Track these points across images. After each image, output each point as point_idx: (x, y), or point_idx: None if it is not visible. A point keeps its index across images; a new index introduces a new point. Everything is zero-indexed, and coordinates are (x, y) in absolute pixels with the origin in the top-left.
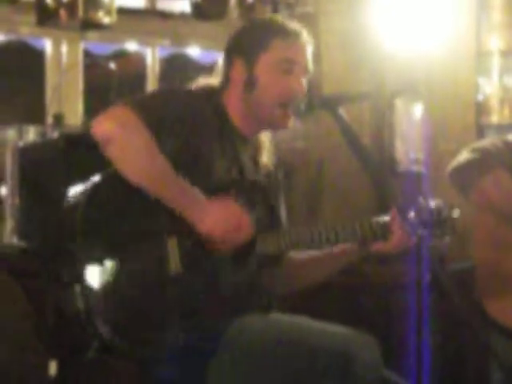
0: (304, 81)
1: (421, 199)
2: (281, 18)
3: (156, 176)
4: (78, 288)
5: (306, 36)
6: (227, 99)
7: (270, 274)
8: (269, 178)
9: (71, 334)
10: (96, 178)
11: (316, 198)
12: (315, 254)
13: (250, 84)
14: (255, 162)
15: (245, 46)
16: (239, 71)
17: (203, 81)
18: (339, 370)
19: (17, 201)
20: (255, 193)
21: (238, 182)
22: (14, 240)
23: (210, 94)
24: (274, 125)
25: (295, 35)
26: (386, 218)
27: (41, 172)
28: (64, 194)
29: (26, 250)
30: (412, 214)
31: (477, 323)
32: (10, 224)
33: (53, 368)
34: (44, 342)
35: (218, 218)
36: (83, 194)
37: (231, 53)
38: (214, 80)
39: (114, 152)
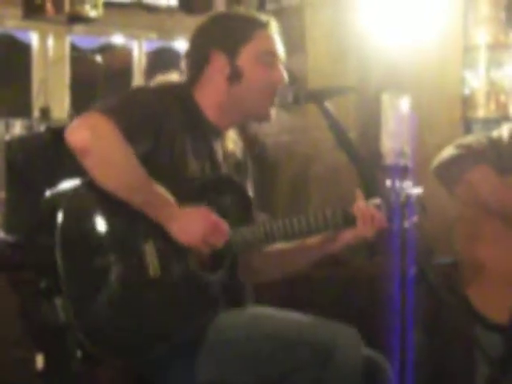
0: (284, 70)
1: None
2: (245, 9)
3: (131, 184)
4: (58, 301)
5: (276, 25)
6: (200, 94)
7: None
8: (238, 168)
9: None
10: (73, 184)
11: (302, 192)
12: (290, 245)
13: (235, 76)
14: (224, 152)
15: (224, 38)
16: (219, 64)
17: (162, 78)
18: (320, 361)
19: (3, 195)
20: (229, 189)
21: (212, 181)
22: (1, 234)
23: (177, 90)
24: (259, 116)
25: (270, 26)
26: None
27: (28, 166)
28: (50, 187)
29: (13, 244)
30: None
31: (462, 316)
32: None
33: (40, 362)
34: (31, 336)
35: (192, 224)
36: (61, 199)
37: (206, 46)
38: (174, 76)
39: (89, 162)
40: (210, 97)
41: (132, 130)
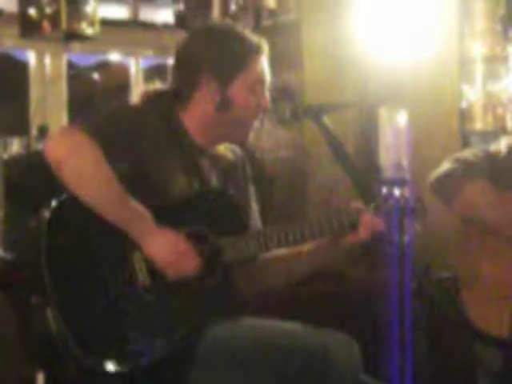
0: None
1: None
2: (236, 26)
3: (104, 199)
4: (48, 312)
5: (266, 46)
6: (185, 113)
7: (245, 274)
8: (232, 171)
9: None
10: (59, 199)
11: (299, 208)
12: (290, 251)
13: (224, 105)
14: (214, 165)
15: (218, 65)
16: (210, 91)
17: (145, 89)
18: (318, 368)
19: (2, 213)
20: (218, 202)
21: (200, 195)
22: (0, 252)
23: (161, 106)
24: (239, 139)
25: (262, 50)
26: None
27: (26, 184)
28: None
29: (12, 262)
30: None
31: (462, 331)
32: None
33: (40, 380)
34: (31, 354)
35: (163, 247)
36: (47, 215)
37: (198, 68)
38: (157, 85)
39: (66, 177)
40: (195, 119)
41: (111, 146)
